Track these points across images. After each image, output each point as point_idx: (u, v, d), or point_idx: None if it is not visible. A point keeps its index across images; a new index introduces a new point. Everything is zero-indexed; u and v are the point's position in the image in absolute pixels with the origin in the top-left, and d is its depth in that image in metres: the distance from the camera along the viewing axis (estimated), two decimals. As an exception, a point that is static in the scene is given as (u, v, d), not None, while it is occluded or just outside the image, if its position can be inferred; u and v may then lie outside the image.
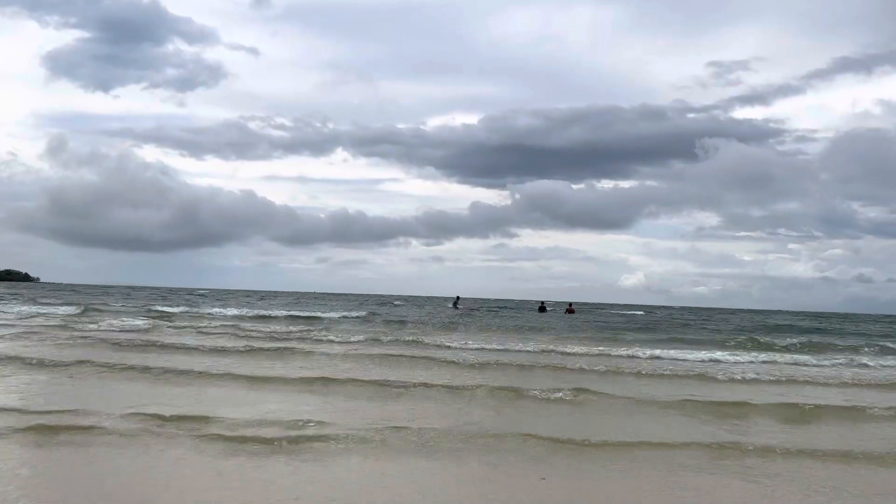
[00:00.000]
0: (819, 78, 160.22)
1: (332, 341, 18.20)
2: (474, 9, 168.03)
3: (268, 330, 21.38)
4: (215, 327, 22.03)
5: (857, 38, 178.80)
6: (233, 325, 23.05)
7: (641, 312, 60.36)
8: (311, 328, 22.89)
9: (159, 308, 32.63)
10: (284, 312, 33.11)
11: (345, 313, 33.53)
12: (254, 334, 19.68)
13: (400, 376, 11.50)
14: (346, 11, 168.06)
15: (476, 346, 17.78)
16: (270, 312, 32.56)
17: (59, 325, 20.65)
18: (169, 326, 21.99)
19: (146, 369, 11.17)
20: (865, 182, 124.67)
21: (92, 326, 20.71)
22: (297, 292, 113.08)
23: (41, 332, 17.87)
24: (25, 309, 29.15)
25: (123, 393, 9.40)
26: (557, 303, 57.80)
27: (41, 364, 11.56)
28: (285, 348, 15.68)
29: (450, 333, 22.31)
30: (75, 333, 18.00)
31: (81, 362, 11.74)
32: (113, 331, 19.58)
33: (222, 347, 15.46)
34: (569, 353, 16.72)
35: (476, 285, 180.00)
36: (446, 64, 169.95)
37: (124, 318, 23.98)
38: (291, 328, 22.76)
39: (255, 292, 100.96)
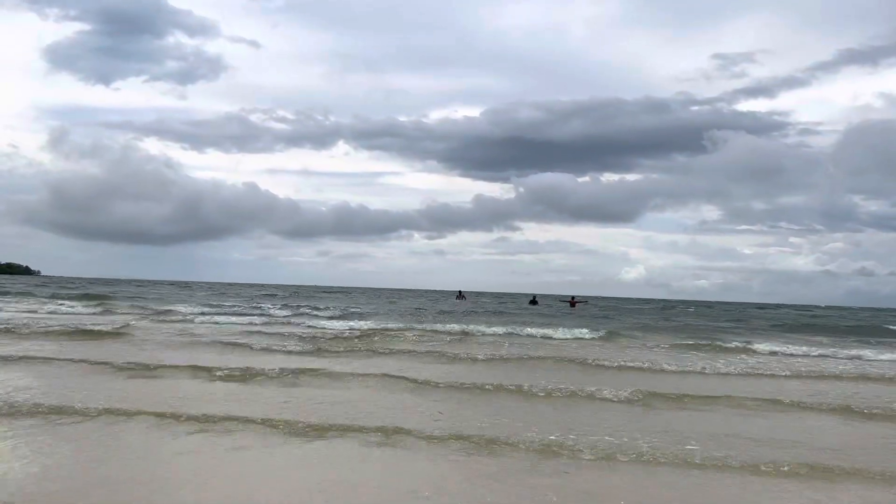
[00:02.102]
0: (824, 70, 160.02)
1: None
2: (475, 1, 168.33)
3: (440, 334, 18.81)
4: (399, 331, 19.16)
5: (864, 30, 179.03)
6: (400, 329, 19.78)
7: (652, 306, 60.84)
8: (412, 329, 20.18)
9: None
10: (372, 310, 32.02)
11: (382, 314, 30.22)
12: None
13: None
14: (346, 4, 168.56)
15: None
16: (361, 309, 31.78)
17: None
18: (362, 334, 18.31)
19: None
20: (875, 175, 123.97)
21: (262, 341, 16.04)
22: (297, 286, 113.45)
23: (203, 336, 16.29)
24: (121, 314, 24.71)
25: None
26: (561, 297, 57.84)
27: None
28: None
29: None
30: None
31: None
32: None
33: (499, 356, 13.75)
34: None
35: (476, 279, 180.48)
36: (448, 56, 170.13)
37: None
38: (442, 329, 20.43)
39: (253, 286, 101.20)
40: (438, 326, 20.84)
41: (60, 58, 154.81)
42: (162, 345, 14.41)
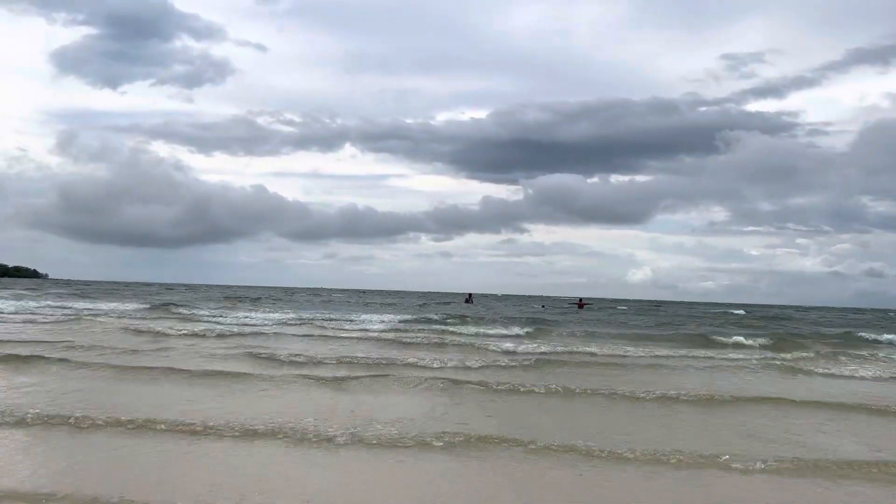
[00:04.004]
0: (834, 70, 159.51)
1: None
2: (482, 3, 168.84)
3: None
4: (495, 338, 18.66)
5: (874, 30, 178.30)
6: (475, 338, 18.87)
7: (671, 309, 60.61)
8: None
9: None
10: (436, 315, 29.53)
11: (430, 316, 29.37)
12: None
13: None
14: (352, 7, 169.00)
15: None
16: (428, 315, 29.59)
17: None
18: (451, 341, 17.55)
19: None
20: (889, 175, 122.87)
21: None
22: (307, 288, 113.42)
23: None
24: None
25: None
26: (569, 299, 58.34)
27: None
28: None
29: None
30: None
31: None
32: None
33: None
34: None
35: (482, 281, 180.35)
36: (454, 58, 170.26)
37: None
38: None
39: (258, 288, 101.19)
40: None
41: (68, 62, 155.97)
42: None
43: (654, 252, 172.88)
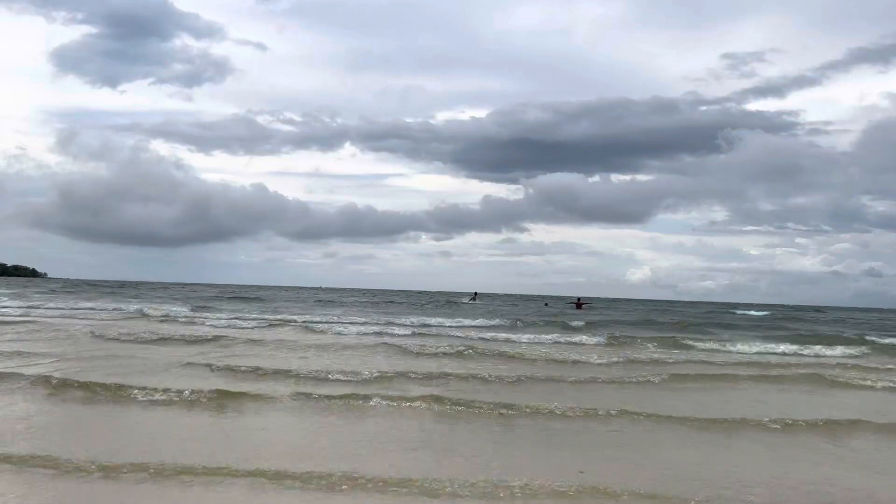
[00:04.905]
0: (835, 69, 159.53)
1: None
2: (481, 2, 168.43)
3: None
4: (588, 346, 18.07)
5: (875, 29, 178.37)
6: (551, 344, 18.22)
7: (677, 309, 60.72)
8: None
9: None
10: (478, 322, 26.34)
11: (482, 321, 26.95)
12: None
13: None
14: (352, 6, 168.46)
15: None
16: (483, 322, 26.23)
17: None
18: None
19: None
20: (892, 174, 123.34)
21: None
22: (306, 288, 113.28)
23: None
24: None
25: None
26: (563, 298, 59.04)
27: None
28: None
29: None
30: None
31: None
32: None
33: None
34: None
35: (482, 280, 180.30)
36: (454, 57, 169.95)
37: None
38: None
39: (260, 288, 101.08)
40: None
41: (67, 61, 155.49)
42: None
43: (653, 252, 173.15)
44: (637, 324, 29.54)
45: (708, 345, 18.97)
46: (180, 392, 8.52)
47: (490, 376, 11.06)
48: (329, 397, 8.62)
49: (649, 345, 18.43)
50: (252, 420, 7.63)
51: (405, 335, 19.31)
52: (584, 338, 19.84)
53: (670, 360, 14.68)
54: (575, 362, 13.74)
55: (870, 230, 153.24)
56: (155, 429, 7.14)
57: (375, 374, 10.79)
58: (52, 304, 30.31)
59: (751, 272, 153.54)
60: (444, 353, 14.38)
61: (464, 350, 14.76)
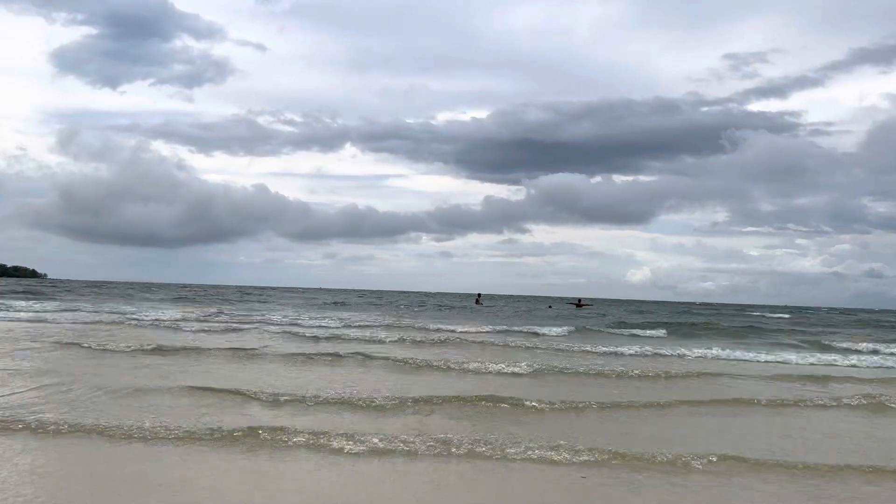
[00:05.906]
0: (837, 70, 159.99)
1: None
2: (482, 2, 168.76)
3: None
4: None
5: (877, 29, 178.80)
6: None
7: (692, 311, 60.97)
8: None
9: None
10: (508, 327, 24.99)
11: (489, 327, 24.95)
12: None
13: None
14: (352, 6, 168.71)
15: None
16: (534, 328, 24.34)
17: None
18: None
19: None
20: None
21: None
22: (308, 288, 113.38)
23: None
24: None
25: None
26: (563, 298, 59.44)
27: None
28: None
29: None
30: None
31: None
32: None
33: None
34: None
35: (483, 281, 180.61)
36: (455, 58, 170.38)
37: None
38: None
39: (261, 289, 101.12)
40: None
41: (68, 61, 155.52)
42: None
43: (653, 252, 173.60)
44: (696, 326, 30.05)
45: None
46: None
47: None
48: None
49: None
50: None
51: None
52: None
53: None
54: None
55: (870, 231, 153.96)
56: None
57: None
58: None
59: (751, 273, 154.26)
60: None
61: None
